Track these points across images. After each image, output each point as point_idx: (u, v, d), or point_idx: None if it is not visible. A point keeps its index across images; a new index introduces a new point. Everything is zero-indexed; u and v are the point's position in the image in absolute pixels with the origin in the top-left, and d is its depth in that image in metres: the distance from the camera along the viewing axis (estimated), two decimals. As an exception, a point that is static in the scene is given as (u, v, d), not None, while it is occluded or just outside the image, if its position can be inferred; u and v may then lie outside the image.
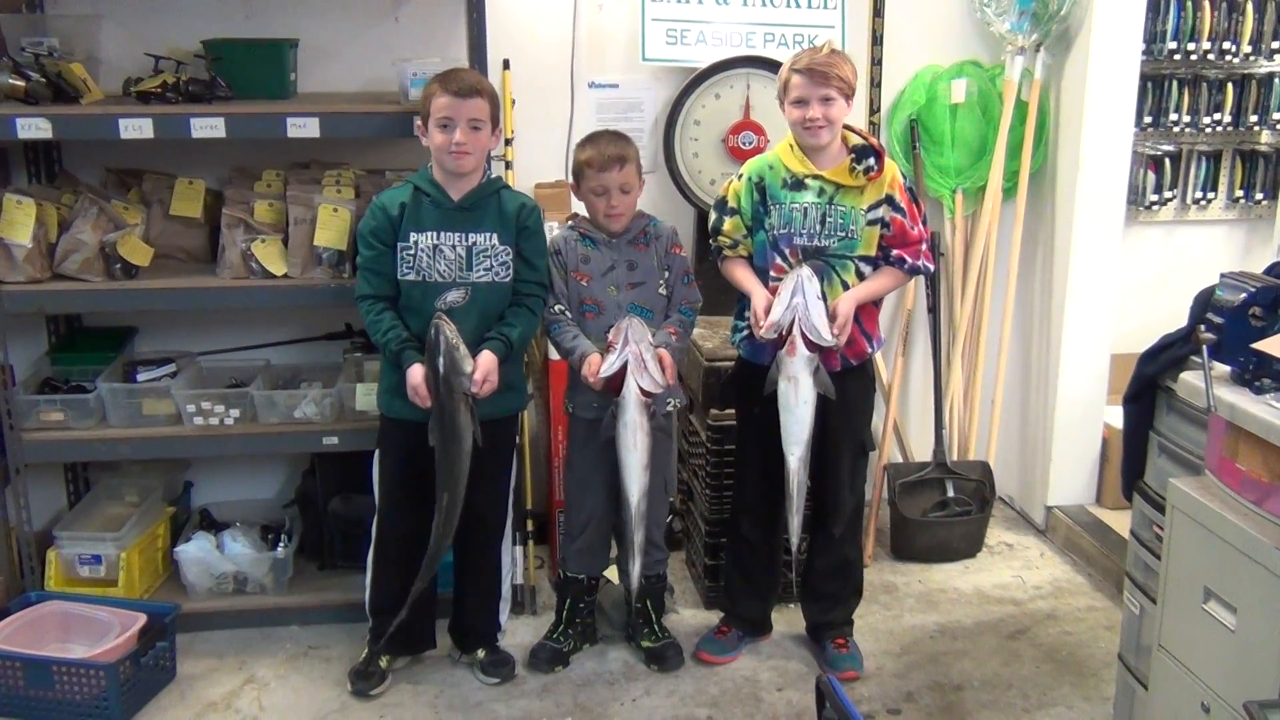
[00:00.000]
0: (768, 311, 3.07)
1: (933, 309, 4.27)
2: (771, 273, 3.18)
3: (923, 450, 4.38)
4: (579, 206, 3.63)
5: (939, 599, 3.90)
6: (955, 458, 4.31)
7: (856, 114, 4.01)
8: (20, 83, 3.29)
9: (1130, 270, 4.42)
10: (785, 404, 3.10)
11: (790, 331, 3.04)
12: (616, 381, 3.10)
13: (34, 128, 3.23)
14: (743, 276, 3.24)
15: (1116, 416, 3.18)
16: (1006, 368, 4.37)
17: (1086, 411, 4.27)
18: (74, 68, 3.37)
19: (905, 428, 4.47)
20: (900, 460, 4.40)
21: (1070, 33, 4.10)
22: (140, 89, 3.38)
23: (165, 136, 3.29)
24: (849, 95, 3.12)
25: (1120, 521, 3.81)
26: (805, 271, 3.06)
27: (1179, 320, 2.75)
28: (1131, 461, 2.92)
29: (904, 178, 3.23)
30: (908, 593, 3.94)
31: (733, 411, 3.53)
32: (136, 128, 3.26)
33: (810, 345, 3.05)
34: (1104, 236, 4.13)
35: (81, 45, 3.53)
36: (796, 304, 3.03)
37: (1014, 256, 4.28)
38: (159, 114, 3.28)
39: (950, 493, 4.21)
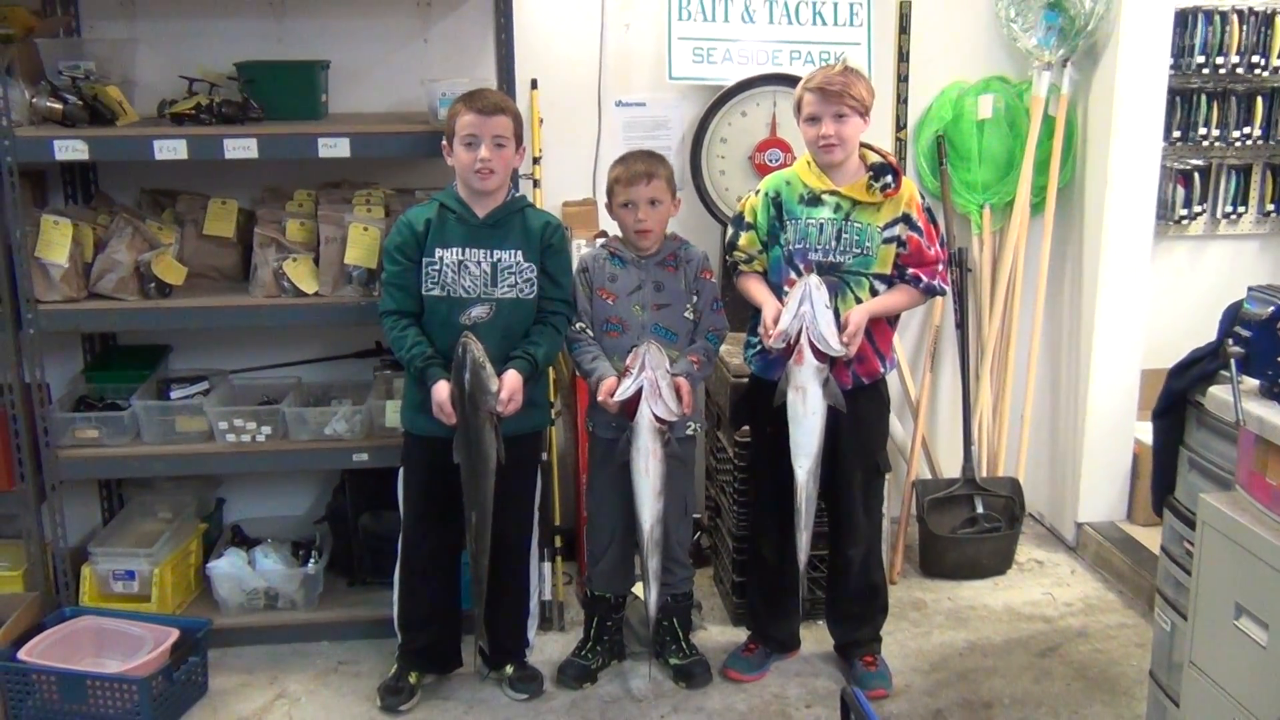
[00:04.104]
0: (777, 322, 3.06)
1: (961, 325, 4.25)
2: (786, 288, 3.15)
3: (951, 467, 4.36)
4: (607, 224, 3.66)
5: (969, 616, 3.87)
6: (984, 474, 4.28)
7: (883, 130, 4.09)
8: (58, 105, 3.34)
9: (1160, 285, 4.38)
10: (794, 415, 3.08)
11: (798, 340, 3.03)
12: (631, 406, 3.10)
13: (71, 149, 3.28)
14: (755, 290, 3.23)
15: (1147, 432, 3.13)
16: (1036, 383, 4.35)
17: (1117, 427, 4.23)
18: (110, 90, 3.42)
19: (934, 444, 4.44)
20: (929, 477, 4.37)
21: (1097, 48, 4.08)
22: (174, 111, 3.42)
23: (199, 157, 3.32)
24: (863, 113, 3.11)
25: (1152, 538, 3.76)
26: (813, 280, 3.04)
27: (1210, 335, 2.73)
28: (1162, 477, 2.89)
29: (923, 198, 3.22)
30: (937, 610, 3.92)
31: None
32: (171, 149, 3.30)
33: (818, 355, 3.03)
34: (1133, 251, 4.10)
35: (117, 68, 3.59)
36: (804, 312, 3.01)
37: (1042, 272, 4.26)
38: (193, 135, 3.32)
39: (979, 509, 4.18)
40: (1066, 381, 4.36)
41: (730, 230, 3.33)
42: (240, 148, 3.31)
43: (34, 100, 3.35)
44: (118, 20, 3.75)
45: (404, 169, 3.91)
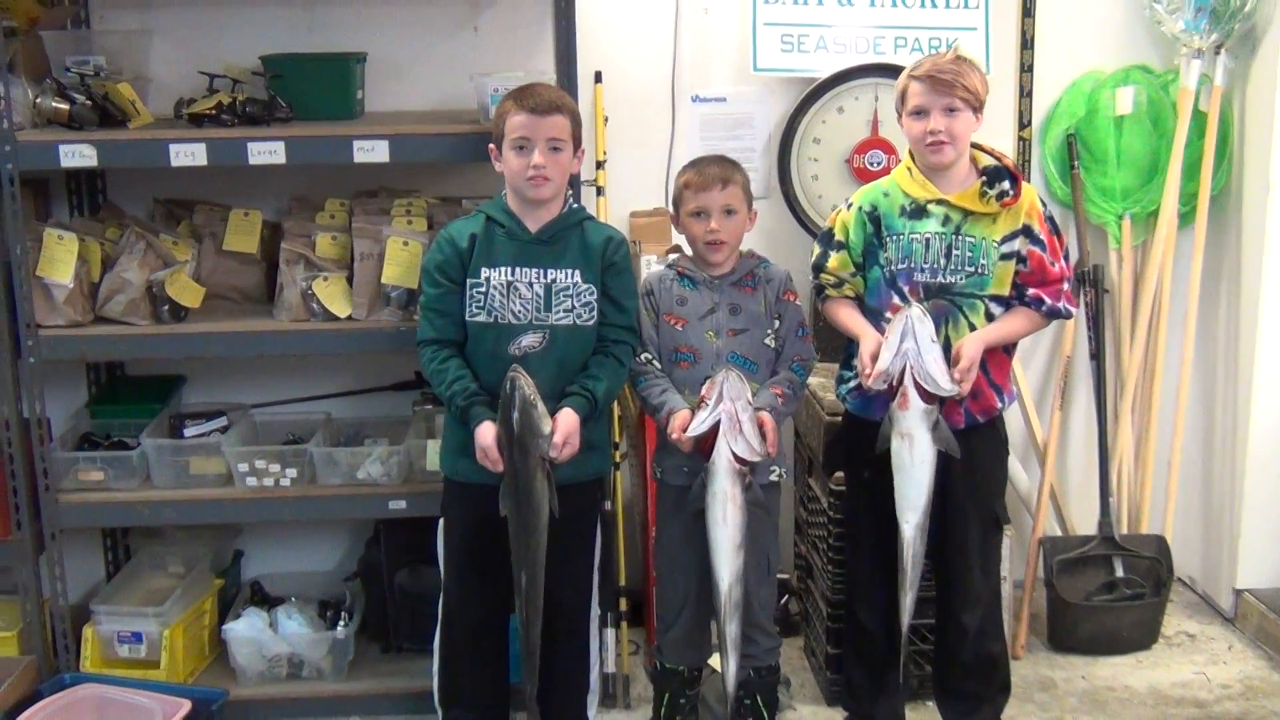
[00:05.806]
0: (875, 358, 2.97)
1: (1096, 355, 4.10)
2: (887, 314, 3.08)
3: (1086, 522, 4.20)
4: (680, 239, 3.57)
5: (1107, 699, 3.71)
6: (1125, 531, 4.12)
7: (1003, 129, 4.08)
8: (64, 106, 3.33)
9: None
10: (899, 464, 3.01)
11: (901, 381, 2.95)
12: (707, 444, 3.00)
13: (78, 155, 3.26)
14: (848, 318, 3.17)
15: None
16: (1185, 424, 4.19)
17: (1284, 476, 4.06)
18: (122, 88, 3.41)
19: (1064, 495, 4.28)
20: (1058, 534, 4.21)
21: (1256, 32, 3.95)
22: (193, 111, 3.40)
23: (220, 163, 3.30)
24: (976, 108, 3.03)
25: (1328, 609, 3.62)
26: (915, 311, 2.95)
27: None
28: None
29: (1044, 205, 3.13)
30: (1069, 691, 3.75)
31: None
32: (188, 154, 3.28)
33: (926, 396, 2.94)
34: (1300, 269, 3.97)
35: (130, 64, 3.59)
36: (907, 349, 2.93)
37: (1193, 292, 4.12)
38: (213, 138, 3.31)
39: (1119, 572, 4.03)
40: (1222, 422, 4.21)
41: (816, 249, 3.26)
42: (266, 152, 3.29)
43: (38, 100, 3.35)
44: (131, 10, 3.76)
45: (450, 175, 3.88)
